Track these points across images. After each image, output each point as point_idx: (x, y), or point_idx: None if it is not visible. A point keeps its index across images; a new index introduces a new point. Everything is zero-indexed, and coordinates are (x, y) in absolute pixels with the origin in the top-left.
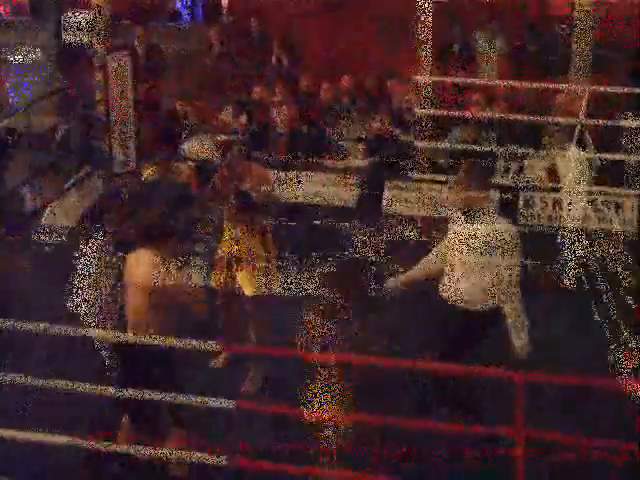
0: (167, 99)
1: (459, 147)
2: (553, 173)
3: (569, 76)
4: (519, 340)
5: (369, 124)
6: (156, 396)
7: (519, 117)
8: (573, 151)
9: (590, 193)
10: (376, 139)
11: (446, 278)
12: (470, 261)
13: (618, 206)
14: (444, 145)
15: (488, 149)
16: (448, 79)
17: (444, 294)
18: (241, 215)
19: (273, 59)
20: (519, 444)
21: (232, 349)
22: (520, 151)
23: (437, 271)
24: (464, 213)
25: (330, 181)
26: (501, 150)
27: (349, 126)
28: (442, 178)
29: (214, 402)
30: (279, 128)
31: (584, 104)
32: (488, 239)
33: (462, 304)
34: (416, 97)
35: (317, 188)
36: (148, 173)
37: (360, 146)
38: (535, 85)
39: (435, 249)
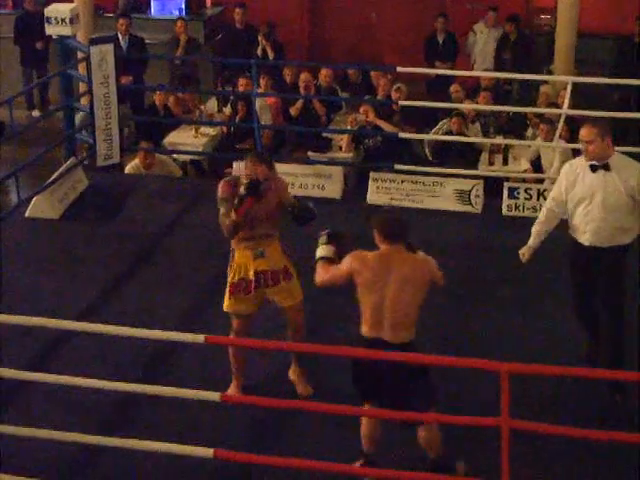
0: (149, 91)
1: (443, 139)
2: (537, 164)
3: (553, 67)
4: None
5: (353, 116)
6: (151, 390)
7: (503, 108)
8: (557, 142)
9: None
10: (360, 131)
11: (577, 219)
12: (611, 203)
13: None
14: (428, 137)
15: (473, 141)
16: (432, 71)
17: (578, 235)
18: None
19: (258, 51)
20: (504, 434)
21: (214, 340)
22: (504, 142)
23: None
24: (601, 165)
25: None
26: (485, 141)
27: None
28: (426, 169)
29: (202, 395)
30: (263, 120)
31: (568, 95)
32: (626, 186)
33: (595, 243)
34: (401, 88)
35: (301, 180)
36: (131, 167)
37: (344, 138)
38: (519, 76)
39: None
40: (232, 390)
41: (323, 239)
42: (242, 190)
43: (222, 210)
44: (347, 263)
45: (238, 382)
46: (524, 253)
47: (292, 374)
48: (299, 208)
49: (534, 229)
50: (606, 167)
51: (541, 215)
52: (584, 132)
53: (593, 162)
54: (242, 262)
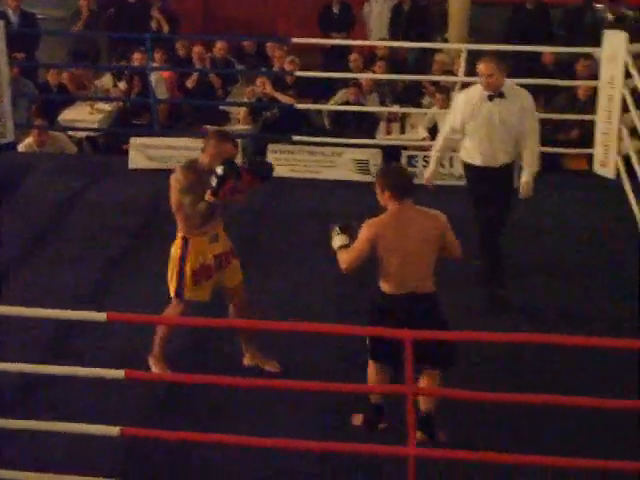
0: (43, 68)
1: (340, 109)
2: (434, 132)
3: (447, 36)
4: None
5: (250, 88)
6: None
7: (399, 77)
8: None
9: None
10: (257, 103)
11: (469, 142)
12: (510, 124)
13: None
14: (325, 107)
15: (370, 110)
16: (327, 41)
17: (465, 156)
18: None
19: (153, 24)
20: (409, 400)
21: (116, 317)
22: (401, 111)
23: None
24: (498, 94)
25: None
26: (383, 110)
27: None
28: (325, 140)
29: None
30: (159, 94)
31: (463, 63)
32: (520, 107)
33: (507, 160)
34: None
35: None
36: (24, 145)
37: (242, 110)
38: (415, 45)
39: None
40: (159, 369)
41: (336, 230)
42: (220, 171)
43: (188, 199)
44: (365, 233)
45: (164, 358)
46: (429, 179)
47: (250, 360)
48: (259, 162)
49: (434, 155)
50: (501, 95)
51: (439, 143)
52: (483, 67)
53: (490, 92)
54: (200, 248)
